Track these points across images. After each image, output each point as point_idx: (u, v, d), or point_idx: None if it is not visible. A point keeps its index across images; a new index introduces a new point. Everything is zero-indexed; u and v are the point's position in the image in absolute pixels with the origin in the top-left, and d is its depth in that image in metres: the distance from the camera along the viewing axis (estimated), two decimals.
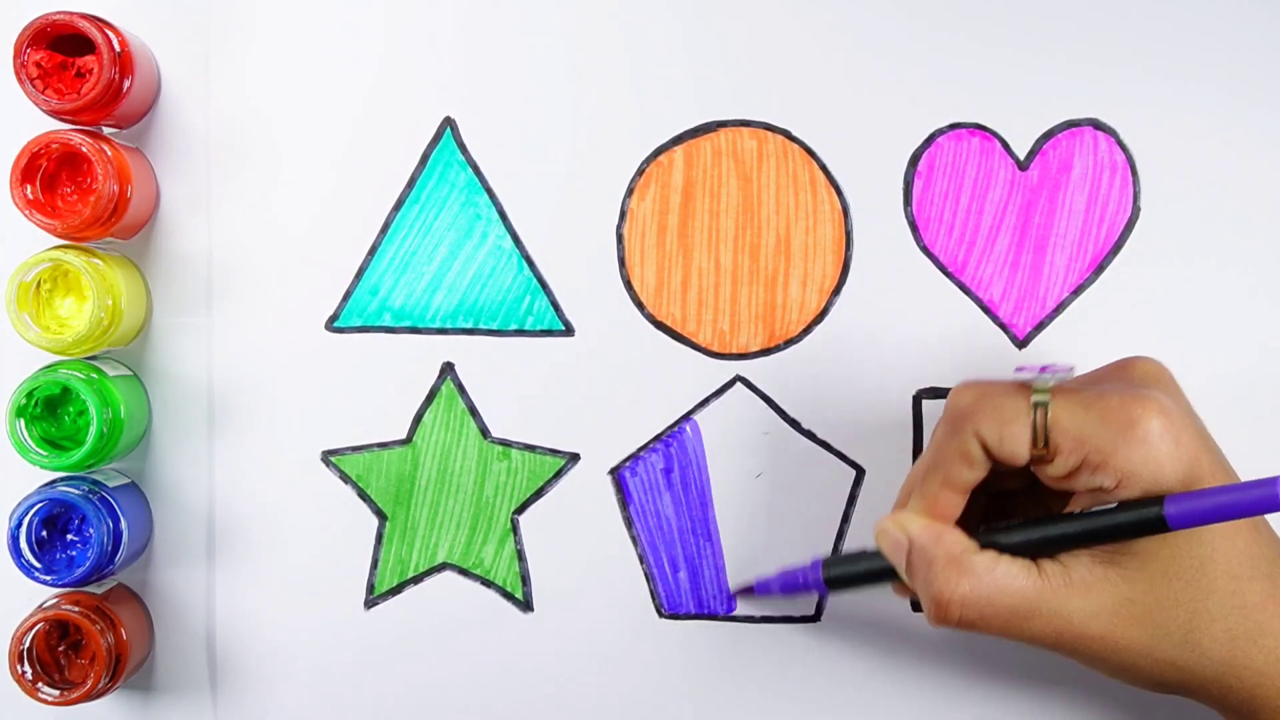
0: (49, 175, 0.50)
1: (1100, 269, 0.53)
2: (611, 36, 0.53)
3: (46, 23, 0.49)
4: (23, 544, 0.49)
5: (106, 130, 0.52)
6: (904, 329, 0.53)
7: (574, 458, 0.54)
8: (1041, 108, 0.53)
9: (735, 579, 0.54)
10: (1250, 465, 0.45)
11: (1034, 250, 0.54)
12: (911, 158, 0.53)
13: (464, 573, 0.54)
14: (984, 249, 0.54)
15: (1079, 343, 0.53)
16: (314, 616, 0.53)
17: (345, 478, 0.54)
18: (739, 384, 0.54)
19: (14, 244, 0.52)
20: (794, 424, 0.54)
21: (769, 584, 0.52)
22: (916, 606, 0.53)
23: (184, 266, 0.53)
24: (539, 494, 0.54)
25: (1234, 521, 0.42)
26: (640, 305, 0.54)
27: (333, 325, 0.54)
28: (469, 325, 0.54)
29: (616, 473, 0.54)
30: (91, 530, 0.49)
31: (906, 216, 0.54)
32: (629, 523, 0.54)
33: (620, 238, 0.54)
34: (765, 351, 0.54)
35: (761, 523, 0.54)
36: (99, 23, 0.49)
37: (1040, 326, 0.53)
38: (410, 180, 0.54)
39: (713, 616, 0.54)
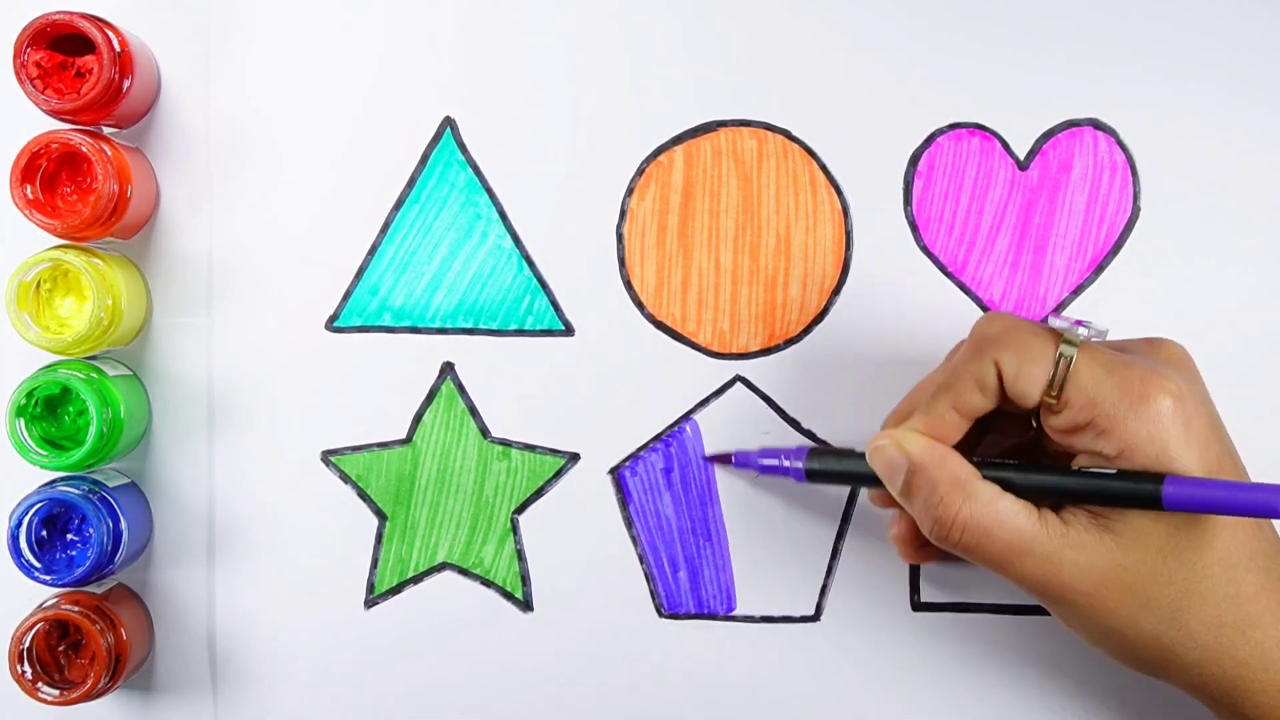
0: (49, 175, 0.50)
1: (1100, 269, 0.53)
2: (611, 36, 0.53)
3: (46, 23, 0.49)
4: (23, 544, 0.49)
5: (106, 130, 0.52)
6: (904, 329, 0.53)
7: (574, 457, 0.54)
8: (1041, 108, 0.53)
9: (737, 578, 0.54)
10: (1250, 465, 0.46)
11: (1034, 250, 0.54)
12: (911, 158, 0.53)
13: (464, 572, 0.54)
14: (984, 249, 0.54)
15: None
16: (314, 616, 0.53)
17: (345, 477, 0.54)
18: (739, 384, 0.54)
19: (14, 244, 0.52)
20: (794, 424, 0.54)
21: (748, 457, 0.51)
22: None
23: (184, 266, 0.53)
24: (539, 494, 0.54)
25: None
26: (640, 305, 0.54)
27: (333, 325, 0.54)
28: (469, 325, 0.54)
29: (616, 472, 0.54)
30: (91, 530, 0.49)
31: (906, 216, 0.54)
32: (629, 523, 0.54)
33: (620, 237, 0.54)
34: (765, 351, 0.54)
35: (761, 523, 0.54)
36: (99, 23, 0.49)
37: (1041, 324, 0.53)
38: (410, 180, 0.54)
39: (712, 616, 0.54)
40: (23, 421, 0.50)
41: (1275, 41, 0.53)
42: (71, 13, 0.49)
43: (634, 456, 0.54)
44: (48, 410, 0.51)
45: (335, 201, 0.53)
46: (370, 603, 0.54)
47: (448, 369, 0.54)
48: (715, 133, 0.53)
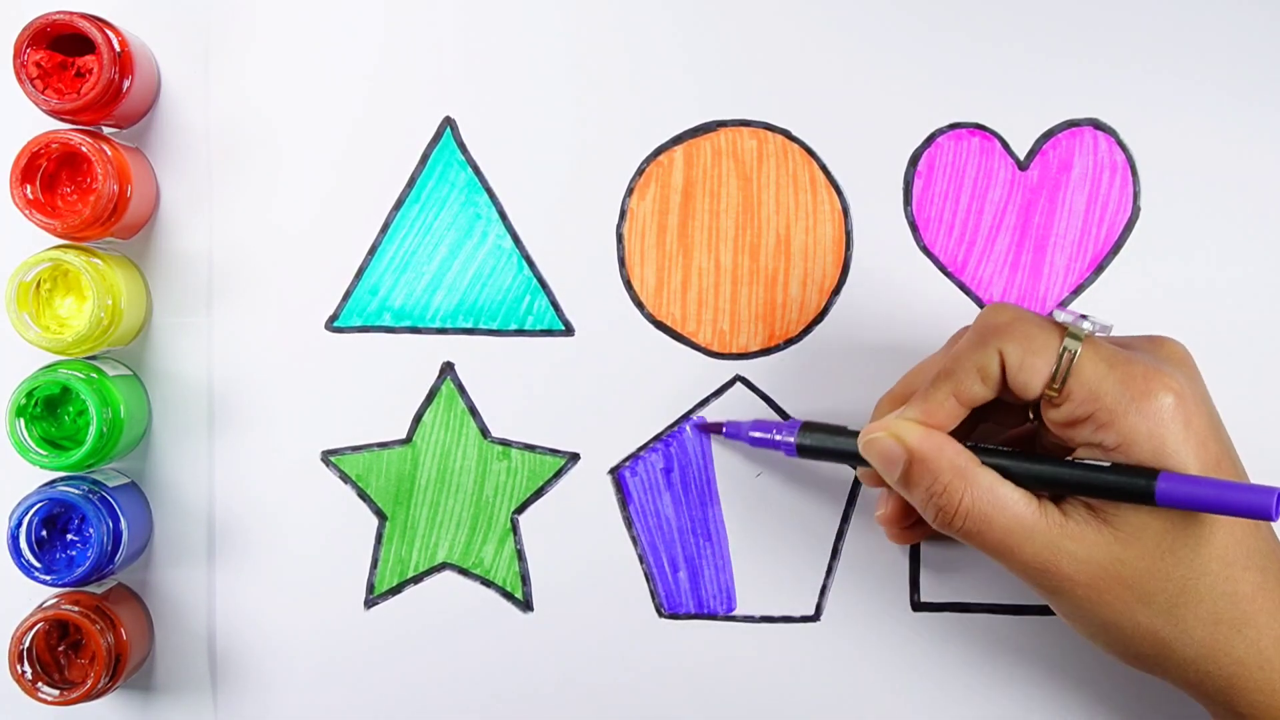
0: (49, 175, 0.50)
1: (1100, 269, 0.53)
2: (611, 36, 0.53)
3: (46, 23, 0.49)
4: (23, 544, 0.49)
5: (106, 130, 0.52)
6: (904, 329, 0.53)
7: (574, 457, 0.54)
8: (1041, 108, 0.53)
9: (737, 578, 0.54)
10: (1249, 464, 0.46)
11: (1034, 250, 0.54)
12: (911, 158, 0.53)
13: (464, 572, 0.54)
14: (984, 249, 0.54)
15: None
16: (314, 616, 0.53)
17: (345, 477, 0.54)
18: (739, 384, 0.54)
19: (14, 244, 0.52)
20: None
21: (739, 428, 0.52)
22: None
23: (184, 266, 0.53)
24: (539, 494, 0.54)
25: None
26: (640, 305, 0.54)
27: (333, 325, 0.54)
28: (469, 325, 0.54)
29: (616, 472, 0.54)
30: (91, 530, 0.49)
31: (906, 216, 0.54)
32: (629, 523, 0.54)
33: (620, 237, 0.54)
34: (765, 351, 0.54)
35: (761, 523, 0.54)
36: (99, 23, 0.49)
37: None
38: (410, 180, 0.54)
39: (712, 616, 0.54)
40: (23, 421, 0.50)
41: (1275, 41, 0.53)
42: (71, 13, 0.49)
43: (634, 456, 0.54)
44: (48, 410, 0.51)
45: (335, 201, 0.53)
46: (370, 603, 0.54)
47: (448, 369, 0.54)
48: (715, 133, 0.53)
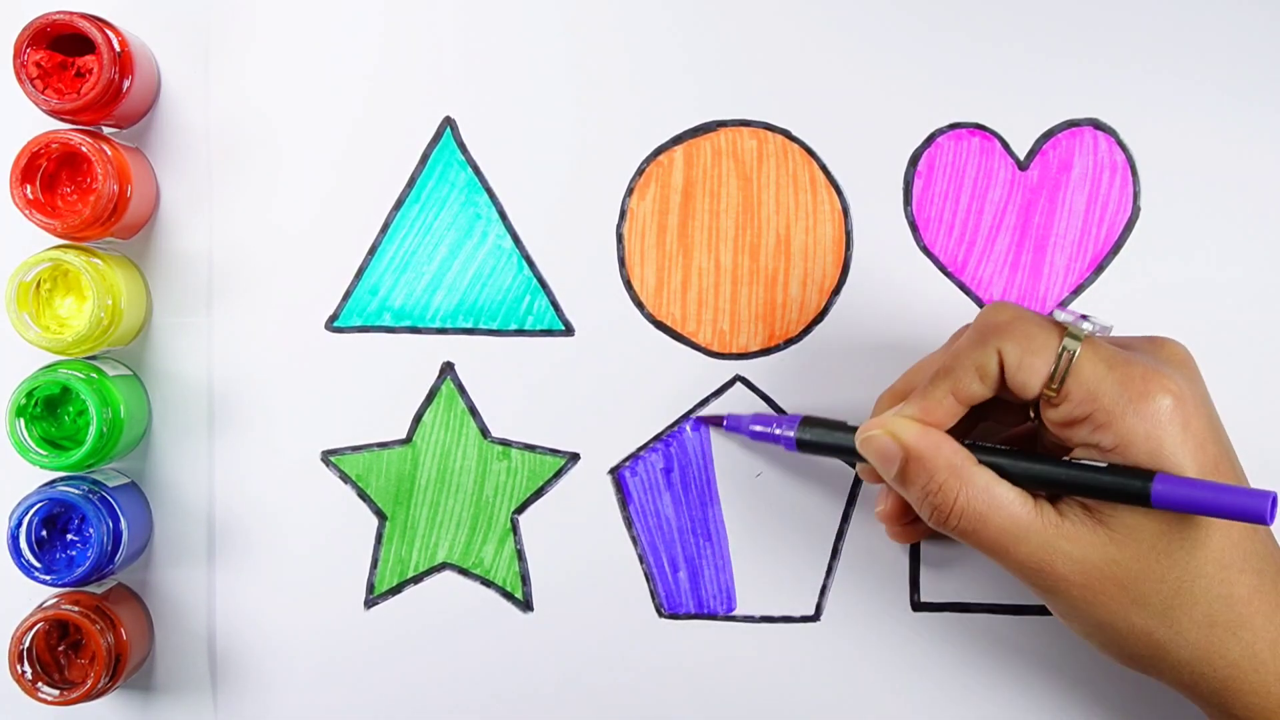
0: (49, 175, 0.50)
1: (1100, 269, 0.53)
2: (611, 36, 0.53)
3: (46, 23, 0.49)
4: (23, 544, 0.49)
5: (106, 130, 0.52)
6: (904, 329, 0.53)
7: (574, 457, 0.54)
8: (1041, 108, 0.53)
9: (737, 578, 0.54)
10: (1248, 466, 0.45)
11: (1034, 250, 0.54)
12: (911, 158, 0.53)
13: (464, 572, 0.54)
14: (984, 249, 0.54)
15: None
16: (314, 616, 0.53)
17: (345, 477, 0.54)
18: (739, 384, 0.54)
19: (14, 244, 0.52)
20: None
21: (740, 421, 0.52)
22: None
23: (184, 266, 0.53)
24: (539, 494, 0.54)
25: None
26: (640, 305, 0.54)
27: (333, 325, 0.54)
28: (469, 325, 0.54)
29: (616, 472, 0.54)
30: (91, 530, 0.49)
31: (906, 216, 0.54)
32: (629, 523, 0.54)
33: (620, 238, 0.54)
34: (765, 351, 0.54)
35: (761, 523, 0.54)
36: (99, 23, 0.49)
37: None
38: (410, 180, 0.54)
39: (713, 616, 0.54)
40: (23, 421, 0.50)
41: (1275, 41, 0.53)
42: (71, 13, 0.49)
43: (634, 456, 0.54)
44: (48, 410, 0.51)
45: (335, 201, 0.53)
46: (370, 603, 0.54)
47: (448, 369, 0.54)
48: (715, 133, 0.53)
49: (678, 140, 0.53)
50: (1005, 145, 0.53)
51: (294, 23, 0.53)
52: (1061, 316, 0.45)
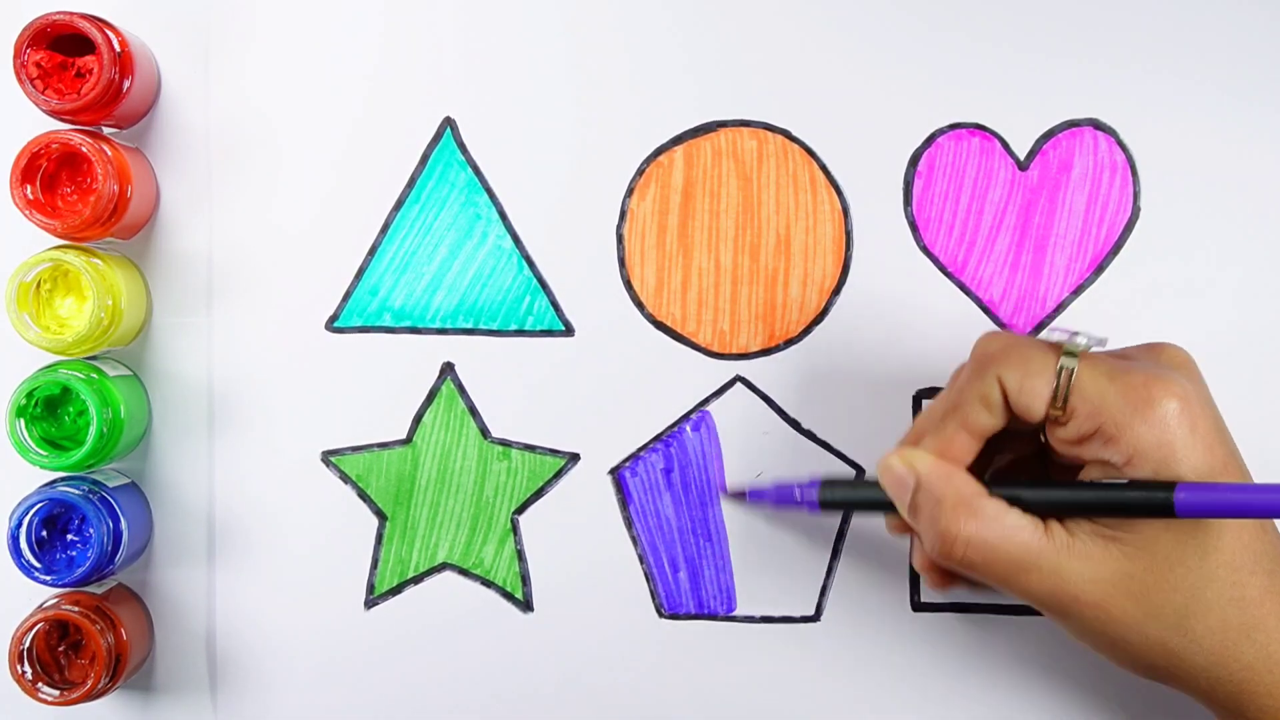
0: (49, 175, 0.50)
1: (1100, 269, 0.53)
2: (611, 36, 0.53)
3: (46, 23, 0.49)
4: (23, 544, 0.49)
5: (106, 130, 0.52)
6: (904, 329, 0.53)
7: (574, 458, 0.54)
8: (1041, 108, 0.53)
9: (737, 578, 0.54)
10: (1250, 465, 0.45)
11: (1034, 250, 0.54)
12: (911, 158, 0.53)
13: (464, 573, 0.54)
14: (984, 249, 0.54)
15: None
16: (314, 616, 0.53)
17: (345, 478, 0.54)
18: (739, 384, 0.54)
19: (14, 244, 0.52)
20: (794, 424, 0.54)
21: (763, 493, 0.52)
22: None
23: (184, 266, 0.53)
24: (539, 494, 0.54)
25: None
26: (640, 305, 0.54)
27: (333, 325, 0.54)
28: (469, 325, 0.54)
29: (616, 473, 0.54)
30: (91, 530, 0.49)
31: (906, 216, 0.54)
32: (629, 523, 0.54)
33: (620, 238, 0.54)
34: (765, 351, 0.54)
35: (761, 523, 0.54)
36: (99, 23, 0.49)
37: (1040, 326, 0.53)
38: (410, 180, 0.54)
39: (713, 616, 0.54)
40: (23, 422, 0.50)
41: (1275, 41, 0.53)
42: (71, 13, 0.49)
43: (634, 456, 0.54)
44: (48, 410, 0.51)
45: (335, 201, 0.53)
46: (370, 603, 0.54)
47: (448, 369, 0.54)
48: (715, 133, 0.53)
49: (678, 140, 0.53)
50: (1005, 145, 0.53)
51: (294, 23, 0.53)
52: (1054, 336, 0.45)
